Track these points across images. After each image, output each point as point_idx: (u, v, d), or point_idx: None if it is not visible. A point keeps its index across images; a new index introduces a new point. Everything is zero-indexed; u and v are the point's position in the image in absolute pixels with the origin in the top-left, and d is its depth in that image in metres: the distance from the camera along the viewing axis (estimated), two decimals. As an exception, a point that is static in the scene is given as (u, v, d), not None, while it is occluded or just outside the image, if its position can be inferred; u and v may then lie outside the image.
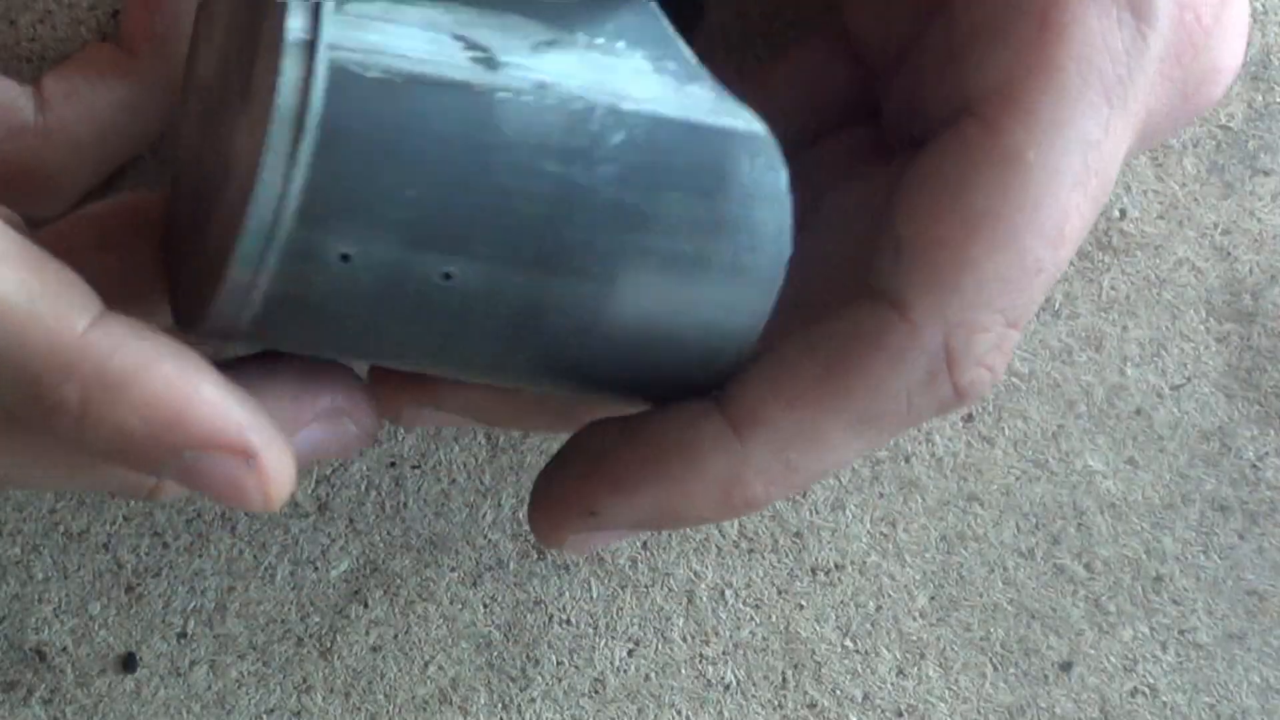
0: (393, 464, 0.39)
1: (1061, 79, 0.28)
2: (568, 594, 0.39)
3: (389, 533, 0.39)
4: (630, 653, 0.39)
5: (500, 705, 0.39)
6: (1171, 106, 0.31)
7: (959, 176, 0.29)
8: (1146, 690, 0.40)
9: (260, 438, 0.27)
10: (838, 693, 0.39)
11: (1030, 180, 0.28)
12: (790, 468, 0.29)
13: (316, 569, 0.39)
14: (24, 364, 0.26)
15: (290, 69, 0.25)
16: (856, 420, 0.29)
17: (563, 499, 0.31)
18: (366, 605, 0.39)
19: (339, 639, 0.39)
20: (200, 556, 0.39)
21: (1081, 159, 0.29)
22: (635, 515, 0.30)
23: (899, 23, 0.32)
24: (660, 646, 0.39)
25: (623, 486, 0.30)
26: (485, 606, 0.39)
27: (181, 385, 0.26)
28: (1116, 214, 0.40)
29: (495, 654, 0.39)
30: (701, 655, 0.39)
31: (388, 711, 0.38)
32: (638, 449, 0.30)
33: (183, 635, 0.38)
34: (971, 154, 0.29)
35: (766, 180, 0.28)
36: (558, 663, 0.39)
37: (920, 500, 0.40)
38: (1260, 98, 0.40)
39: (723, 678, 0.39)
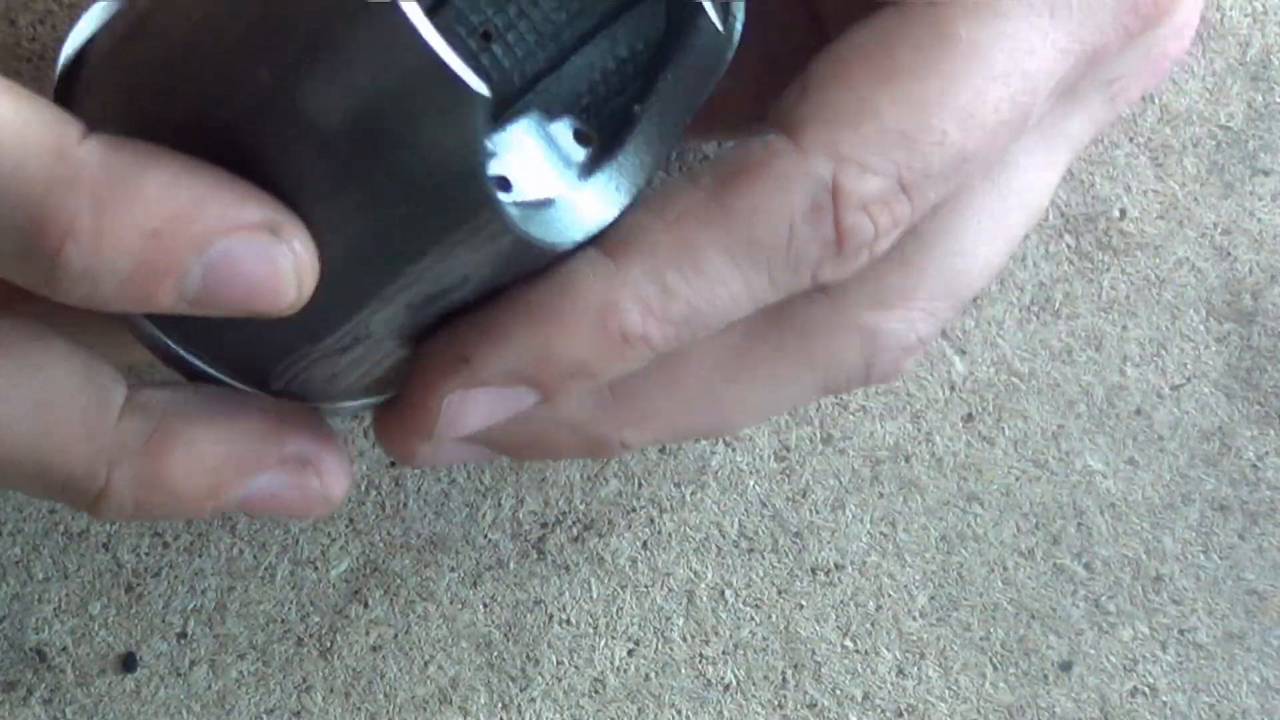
0: (393, 464, 0.39)
1: None
2: (568, 594, 0.39)
3: (389, 533, 0.39)
4: (630, 653, 0.39)
5: (500, 705, 0.39)
6: (1128, 56, 0.31)
7: (885, 35, 0.29)
8: (1146, 690, 0.40)
9: (277, 209, 0.26)
10: (838, 693, 0.39)
11: (954, 54, 0.28)
12: (668, 293, 0.28)
13: (316, 569, 0.39)
14: (27, 182, 0.24)
15: None
16: (736, 245, 0.28)
17: (432, 350, 0.29)
18: (366, 605, 0.39)
19: (339, 639, 0.39)
20: (200, 556, 0.38)
21: (1010, 55, 0.29)
22: (510, 360, 0.28)
23: None
24: (660, 646, 0.39)
25: (495, 326, 0.28)
26: (485, 606, 0.39)
27: (194, 174, 0.25)
28: (1116, 214, 0.40)
29: (495, 654, 0.39)
30: (701, 655, 0.39)
31: (388, 711, 0.38)
32: (512, 294, 0.29)
33: (183, 635, 0.38)
34: (905, 18, 0.29)
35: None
36: (558, 663, 0.39)
37: (920, 500, 0.40)
38: (1260, 98, 0.40)
39: (723, 678, 0.39)
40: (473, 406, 0.29)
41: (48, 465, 0.28)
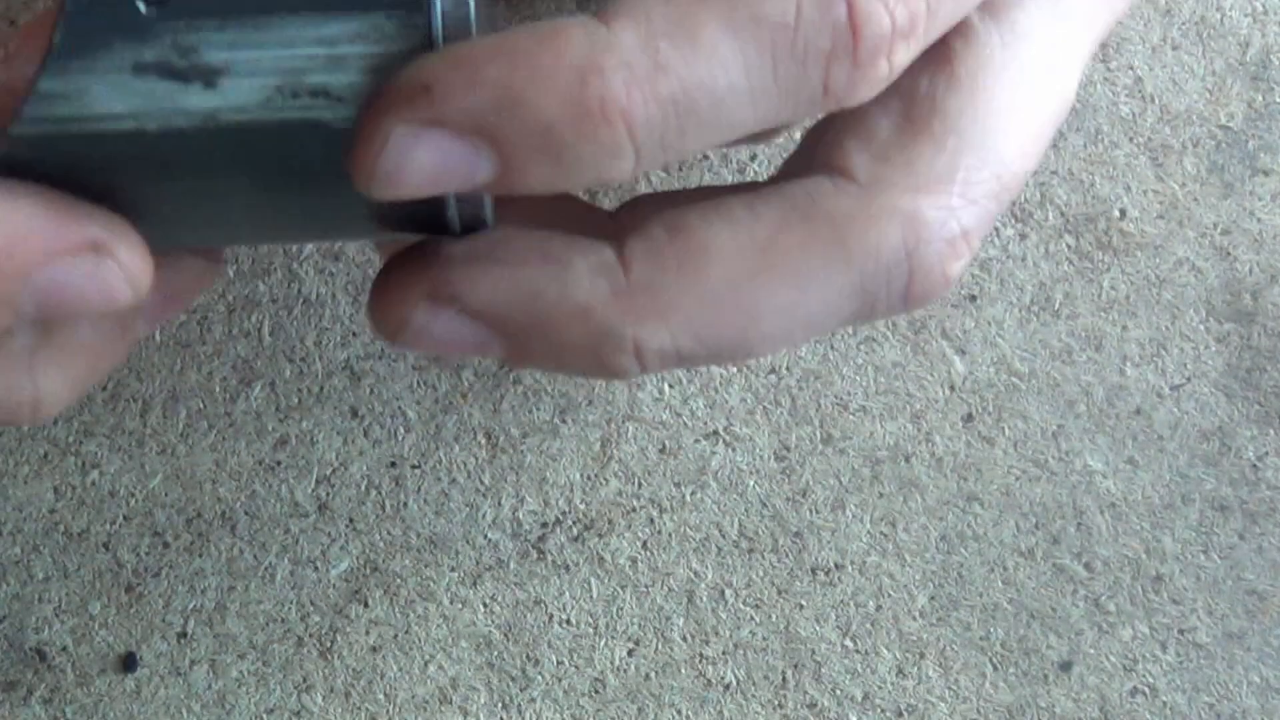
0: (393, 464, 0.39)
1: None
2: (568, 594, 0.39)
3: (389, 533, 0.39)
4: (630, 653, 0.39)
5: (500, 705, 0.39)
6: None
7: None
8: (1146, 690, 0.40)
9: (99, 225, 0.26)
10: (838, 693, 0.39)
11: None
12: (658, 66, 0.25)
13: (316, 569, 0.39)
14: None
15: None
16: (738, 19, 0.26)
17: (396, 77, 0.26)
18: (366, 605, 0.39)
19: (339, 639, 0.39)
20: (200, 556, 0.38)
21: None
22: (474, 97, 0.26)
23: None
24: (660, 646, 0.39)
25: (466, 60, 0.26)
26: (485, 606, 0.39)
27: (11, 205, 0.25)
28: (1116, 214, 0.40)
29: (495, 654, 0.39)
30: (701, 655, 0.39)
31: (388, 711, 0.38)
32: (493, 35, 0.26)
33: (183, 635, 0.38)
34: None
35: None
36: (558, 663, 0.39)
37: (920, 500, 0.40)
38: (1260, 98, 0.40)
39: (723, 678, 0.39)
40: (423, 150, 0.26)
41: None
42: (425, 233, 0.29)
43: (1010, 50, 0.30)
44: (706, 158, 0.40)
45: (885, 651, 0.39)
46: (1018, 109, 0.30)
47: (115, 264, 0.26)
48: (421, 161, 0.26)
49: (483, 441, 0.39)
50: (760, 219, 0.28)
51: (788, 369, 0.40)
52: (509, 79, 0.25)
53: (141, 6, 0.26)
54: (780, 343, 0.29)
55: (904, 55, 0.27)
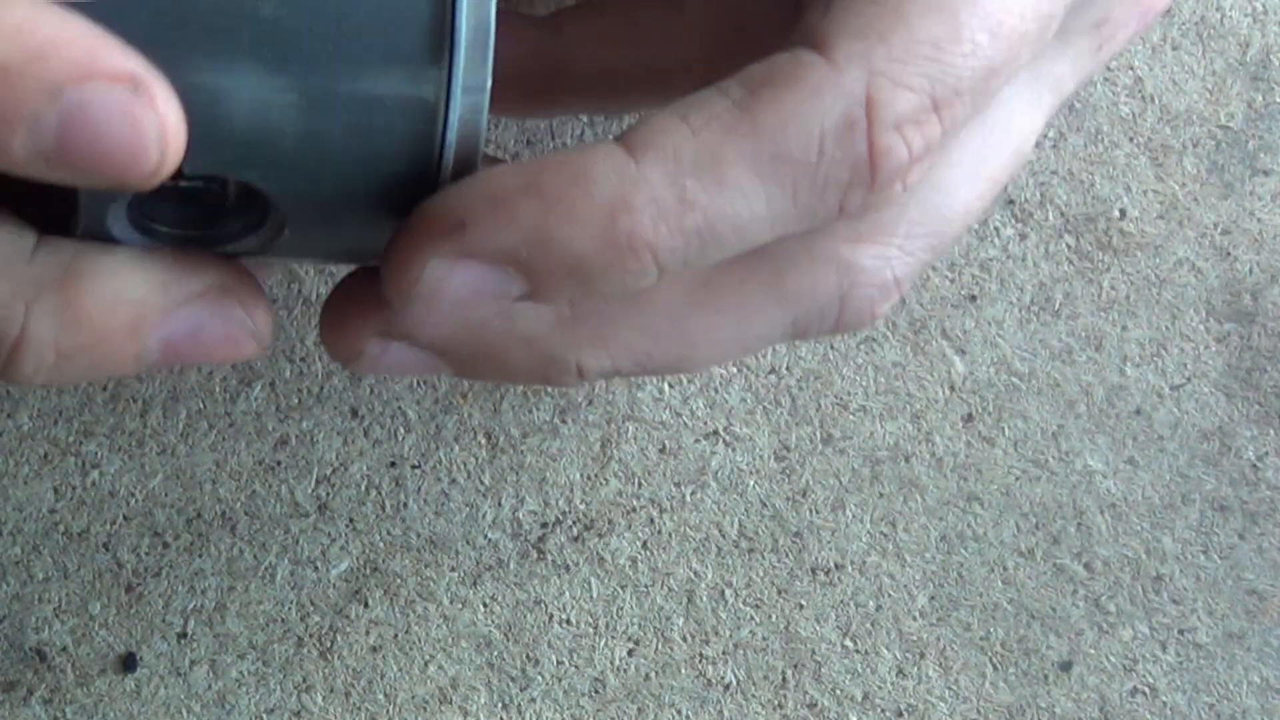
0: (393, 464, 0.39)
1: None
2: (568, 594, 0.39)
3: (389, 533, 0.39)
4: (630, 653, 0.39)
5: (500, 705, 0.39)
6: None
7: None
8: (1146, 690, 0.40)
9: (139, 64, 0.24)
10: (838, 693, 0.39)
11: None
12: (685, 201, 0.26)
13: (316, 569, 0.39)
14: None
15: None
16: (763, 159, 0.27)
17: (429, 209, 0.27)
18: (366, 605, 0.39)
19: (339, 639, 0.39)
20: (200, 556, 0.38)
21: None
22: (508, 235, 0.26)
23: None
24: (660, 646, 0.39)
25: (499, 199, 0.27)
26: (485, 606, 0.39)
27: (48, 15, 0.23)
28: (1116, 214, 0.40)
29: (495, 654, 0.39)
30: (701, 655, 0.39)
31: (388, 711, 0.38)
32: (521, 168, 0.27)
33: (183, 635, 0.38)
34: None
35: None
36: (558, 663, 0.39)
37: (920, 500, 0.40)
38: (1260, 98, 0.40)
39: (723, 678, 0.39)
40: (457, 279, 0.27)
41: None
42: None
43: (979, 120, 0.31)
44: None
45: (885, 651, 0.39)
46: (973, 172, 0.31)
47: (151, 108, 0.24)
48: (457, 289, 0.27)
49: (483, 441, 0.39)
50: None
51: (788, 369, 0.40)
52: (542, 220, 0.26)
53: None
54: (715, 363, 0.31)
55: (918, 175, 0.28)
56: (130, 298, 0.27)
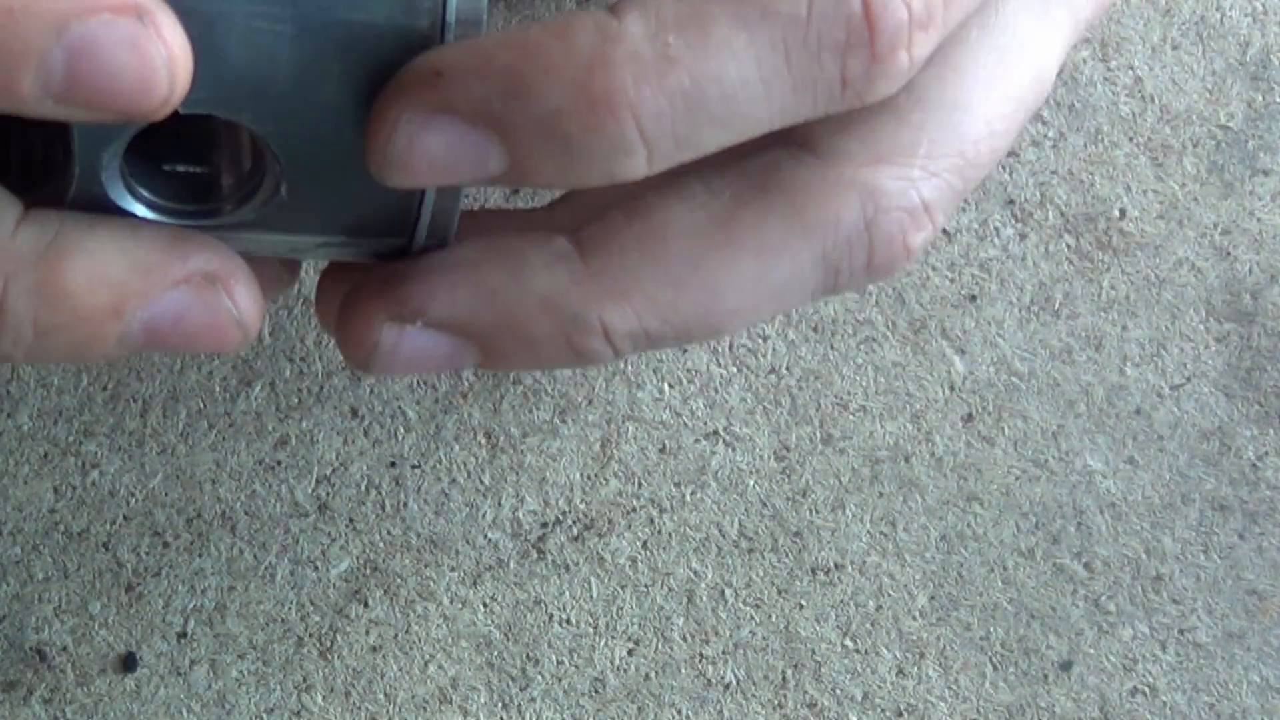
0: (393, 464, 0.39)
1: None
2: (568, 594, 0.39)
3: (389, 533, 0.39)
4: (630, 653, 0.39)
5: (500, 705, 0.39)
6: None
7: None
8: (1146, 690, 0.40)
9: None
10: (838, 693, 0.39)
11: None
12: (666, 58, 0.25)
13: (316, 569, 0.39)
14: None
15: None
16: (750, 12, 0.25)
17: (410, 66, 0.26)
18: (366, 605, 0.39)
19: (339, 639, 0.39)
20: (200, 556, 0.39)
21: None
22: (484, 85, 0.25)
23: None
24: (660, 646, 0.39)
25: (477, 49, 0.26)
26: (485, 606, 0.39)
27: None
28: (1116, 214, 0.40)
29: (495, 654, 0.39)
30: (701, 655, 0.39)
31: (388, 711, 0.38)
32: (506, 32, 0.26)
33: (183, 635, 0.38)
34: None
35: None
36: (558, 663, 0.39)
37: (920, 500, 0.40)
38: (1260, 98, 0.40)
39: (723, 678, 0.39)
40: (432, 136, 0.26)
41: None
42: (385, 241, 0.29)
43: (987, 30, 0.30)
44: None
45: (885, 651, 0.39)
46: (989, 87, 0.30)
47: (158, 37, 0.24)
48: (432, 148, 0.26)
49: (483, 441, 0.39)
50: (718, 195, 0.28)
51: (788, 369, 0.40)
52: (518, 67, 0.25)
53: None
54: (747, 317, 0.29)
55: (924, 47, 0.27)
56: (113, 278, 0.26)
